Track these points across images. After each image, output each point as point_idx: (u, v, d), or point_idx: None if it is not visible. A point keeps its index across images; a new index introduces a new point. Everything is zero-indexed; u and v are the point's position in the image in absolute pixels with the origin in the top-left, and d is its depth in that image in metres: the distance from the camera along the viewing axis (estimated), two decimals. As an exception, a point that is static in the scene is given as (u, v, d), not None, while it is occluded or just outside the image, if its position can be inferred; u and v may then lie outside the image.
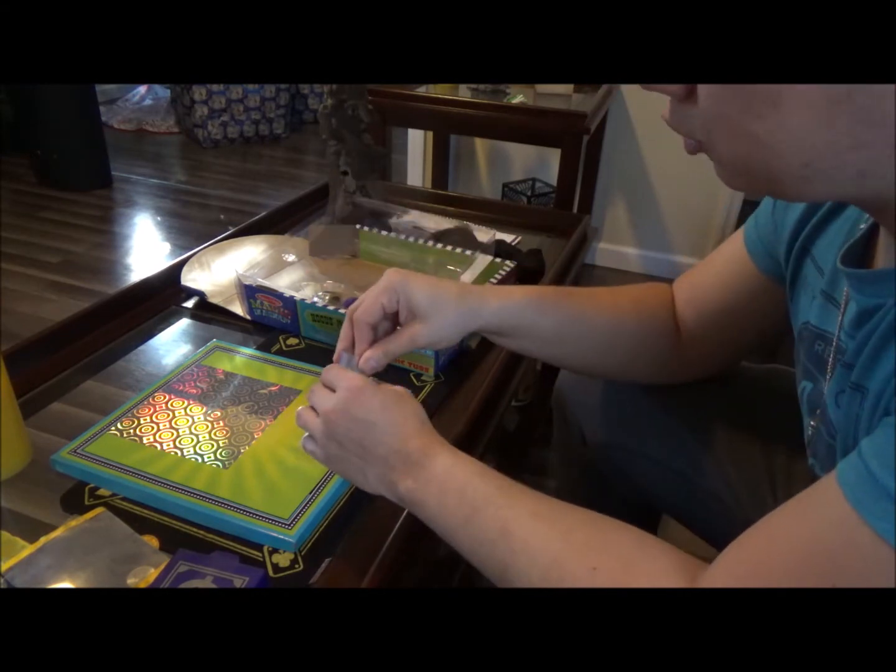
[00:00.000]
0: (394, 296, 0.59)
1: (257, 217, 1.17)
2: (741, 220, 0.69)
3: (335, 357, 0.61)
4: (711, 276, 0.69)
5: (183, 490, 0.61)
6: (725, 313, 0.67)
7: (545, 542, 0.46)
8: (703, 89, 0.39)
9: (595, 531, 0.47)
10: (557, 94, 1.80)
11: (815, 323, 0.54)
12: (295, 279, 0.96)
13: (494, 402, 0.79)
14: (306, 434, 0.58)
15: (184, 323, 0.92)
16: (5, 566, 0.53)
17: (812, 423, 0.56)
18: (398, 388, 0.57)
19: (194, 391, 0.75)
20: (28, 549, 0.55)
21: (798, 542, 0.38)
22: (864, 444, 0.37)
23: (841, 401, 0.48)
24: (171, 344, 0.87)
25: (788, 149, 0.37)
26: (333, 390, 0.56)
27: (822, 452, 0.54)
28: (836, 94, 0.34)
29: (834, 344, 0.51)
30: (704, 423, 0.74)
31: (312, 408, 0.57)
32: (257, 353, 0.82)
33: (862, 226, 0.49)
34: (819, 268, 0.54)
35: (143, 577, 0.53)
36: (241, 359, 0.81)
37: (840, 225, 0.53)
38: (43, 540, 0.55)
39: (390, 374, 0.79)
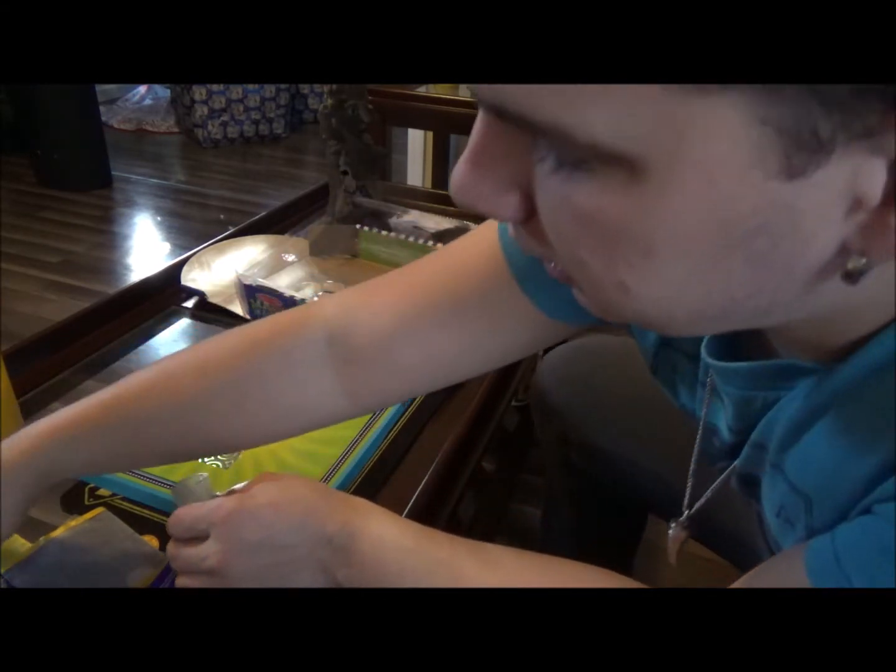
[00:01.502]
0: None
1: (257, 217, 1.17)
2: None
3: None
4: (440, 282, 0.49)
5: (183, 490, 0.61)
6: (453, 328, 0.48)
7: None
8: (549, 224, 0.29)
9: None
10: (557, 94, 1.80)
11: (710, 419, 0.45)
12: (295, 279, 0.96)
13: (494, 402, 0.79)
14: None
15: (184, 323, 0.92)
16: (5, 566, 0.53)
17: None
18: (265, 476, 0.48)
19: (194, 391, 0.75)
20: (28, 549, 0.54)
21: None
22: (841, 548, 0.31)
23: (783, 512, 0.39)
24: (171, 344, 0.87)
25: (671, 300, 0.28)
26: (197, 537, 0.46)
27: (673, 550, 0.49)
28: (731, 240, 0.26)
29: (726, 442, 0.43)
30: (683, 427, 0.74)
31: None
32: (257, 353, 0.82)
33: None
34: (688, 355, 0.45)
35: (143, 577, 0.53)
36: (241, 359, 0.81)
37: None
38: (43, 539, 0.55)
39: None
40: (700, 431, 0.47)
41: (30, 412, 0.72)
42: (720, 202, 0.25)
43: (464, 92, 1.82)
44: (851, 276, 0.26)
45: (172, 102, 3.70)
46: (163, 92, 3.98)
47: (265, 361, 0.51)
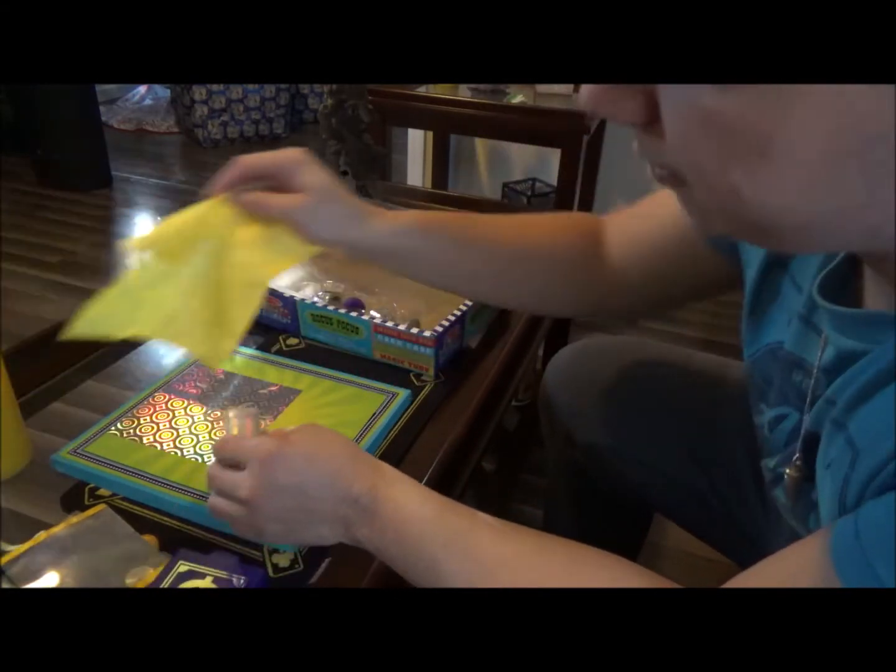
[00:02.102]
0: (290, 165, 0.56)
1: (257, 217, 1.16)
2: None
3: None
4: (653, 225, 0.62)
5: (183, 490, 0.61)
6: (660, 266, 0.62)
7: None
8: (670, 124, 0.31)
9: (567, 577, 0.43)
10: (557, 94, 1.80)
11: (790, 348, 0.48)
12: (295, 279, 0.96)
13: (494, 402, 0.79)
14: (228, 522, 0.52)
15: (184, 323, 0.92)
16: (5, 560, 0.53)
17: (779, 460, 0.51)
18: (307, 427, 0.52)
19: (194, 391, 0.75)
20: (29, 544, 0.55)
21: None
22: (861, 519, 0.32)
23: (833, 465, 0.40)
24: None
25: (782, 208, 0.30)
26: (237, 465, 0.50)
27: (791, 489, 0.49)
28: (849, 146, 0.26)
29: (814, 377, 0.44)
30: (691, 425, 0.75)
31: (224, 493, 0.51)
32: (257, 353, 0.82)
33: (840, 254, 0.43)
34: (798, 286, 0.48)
35: (142, 576, 0.53)
36: (241, 359, 0.81)
37: None
38: (43, 534, 0.56)
39: (389, 375, 0.79)
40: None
41: (30, 412, 0.72)
42: (845, 106, 0.25)
43: (464, 92, 1.82)
44: None
45: (172, 102, 3.70)
46: (163, 92, 3.98)
47: (566, 253, 0.64)
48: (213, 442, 0.67)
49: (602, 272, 0.65)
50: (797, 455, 0.48)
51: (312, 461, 0.49)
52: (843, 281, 0.42)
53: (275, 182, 0.56)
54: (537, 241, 0.64)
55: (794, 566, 0.35)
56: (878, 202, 0.28)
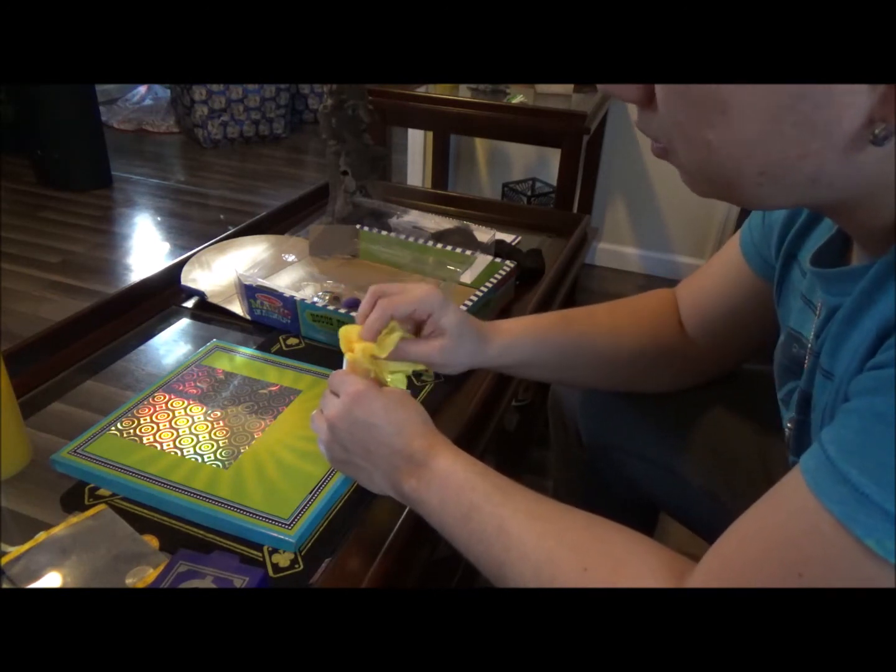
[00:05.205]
0: (427, 308, 0.61)
1: (257, 217, 1.17)
2: (741, 221, 0.70)
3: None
4: (710, 279, 0.70)
5: (183, 490, 0.61)
6: (726, 316, 0.68)
7: (539, 540, 0.47)
8: (659, 96, 0.39)
9: (588, 532, 0.48)
10: (557, 94, 1.80)
11: (794, 326, 0.55)
12: (295, 279, 0.96)
13: (494, 402, 0.79)
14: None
15: (184, 323, 0.92)
16: (5, 560, 0.53)
17: (789, 425, 0.57)
18: (399, 389, 0.58)
19: (194, 391, 0.75)
20: (29, 544, 0.55)
21: (766, 533, 0.39)
22: (823, 432, 0.38)
23: (826, 416, 0.47)
24: (171, 344, 0.87)
25: (742, 157, 0.38)
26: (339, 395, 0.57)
27: (790, 442, 0.55)
28: (782, 102, 0.34)
29: (808, 348, 0.51)
30: (701, 424, 0.75)
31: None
32: (257, 353, 0.82)
33: (834, 230, 0.50)
34: (803, 272, 0.55)
35: (142, 577, 0.53)
36: (241, 359, 0.81)
37: (822, 230, 0.53)
38: (44, 535, 0.56)
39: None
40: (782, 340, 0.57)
41: (30, 412, 0.72)
42: None
43: (464, 92, 1.82)
44: (877, 140, 0.34)
45: (172, 102, 3.70)
46: (163, 92, 3.98)
47: (653, 338, 0.71)
48: (212, 442, 0.67)
49: (684, 346, 0.72)
50: (793, 414, 0.54)
51: (388, 411, 0.55)
52: (839, 254, 0.49)
53: (414, 318, 0.63)
54: (626, 335, 0.70)
55: (778, 503, 0.40)
56: (811, 152, 0.36)
